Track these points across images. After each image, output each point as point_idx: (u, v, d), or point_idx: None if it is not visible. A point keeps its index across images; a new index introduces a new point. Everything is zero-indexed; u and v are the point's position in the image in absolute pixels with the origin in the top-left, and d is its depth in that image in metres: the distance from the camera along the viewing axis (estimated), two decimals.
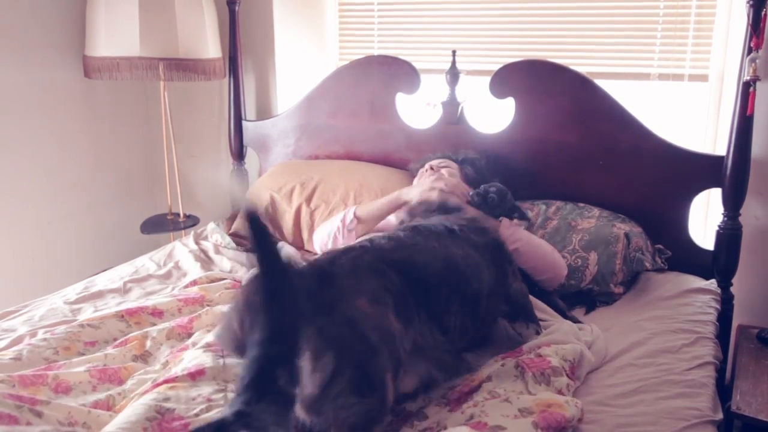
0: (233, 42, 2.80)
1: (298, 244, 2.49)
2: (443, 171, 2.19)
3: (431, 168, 2.21)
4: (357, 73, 2.66)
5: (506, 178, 2.35)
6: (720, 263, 2.16)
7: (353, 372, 1.02)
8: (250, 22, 2.90)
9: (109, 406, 1.33)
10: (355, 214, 2.13)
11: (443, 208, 1.81)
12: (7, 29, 2.58)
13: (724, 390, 1.92)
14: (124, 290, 2.10)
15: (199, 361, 1.37)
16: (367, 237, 1.34)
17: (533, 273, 1.95)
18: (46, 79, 2.74)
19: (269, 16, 2.88)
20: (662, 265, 2.17)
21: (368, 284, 1.07)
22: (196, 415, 1.17)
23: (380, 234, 1.35)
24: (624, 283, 2.07)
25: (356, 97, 2.67)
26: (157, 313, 1.83)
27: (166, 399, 1.23)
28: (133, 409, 1.21)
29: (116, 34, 2.55)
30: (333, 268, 1.09)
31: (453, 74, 2.45)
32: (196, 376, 1.32)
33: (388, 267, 1.14)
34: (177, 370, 1.37)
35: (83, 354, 1.59)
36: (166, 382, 1.31)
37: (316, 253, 2.43)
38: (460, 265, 1.22)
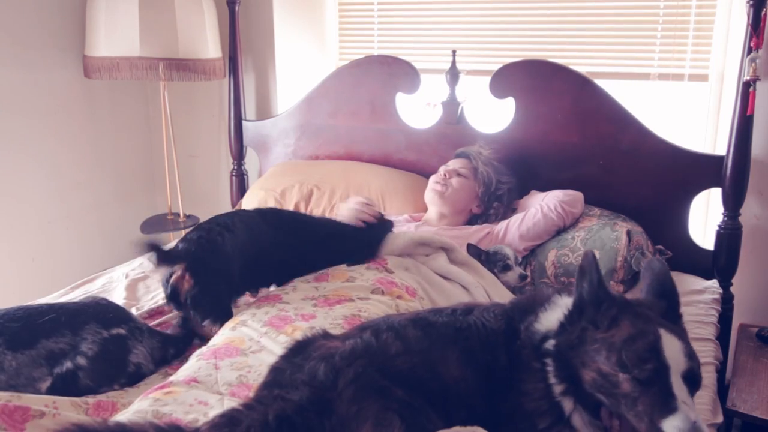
0: (233, 42, 2.79)
1: None
2: (453, 180, 2.27)
3: (445, 175, 2.29)
4: (357, 73, 2.66)
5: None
6: (720, 263, 2.16)
7: None
8: (250, 22, 2.90)
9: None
10: None
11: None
12: (7, 29, 2.58)
13: (723, 391, 1.92)
14: (124, 289, 2.10)
15: (192, 372, 1.35)
16: (375, 321, 1.27)
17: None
18: (46, 79, 2.74)
19: (269, 16, 2.88)
20: None
21: (371, 408, 1.04)
22: (195, 419, 1.16)
23: (393, 320, 1.25)
24: (624, 281, 2.07)
25: (356, 97, 2.67)
26: None
27: (165, 404, 1.22)
28: (128, 416, 1.19)
29: (116, 34, 2.55)
30: (332, 394, 1.05)
31: (453, 74, 2.45)
32: (190, 382, 1.31)
33: (391, 382, 1.10)
34: (172, 378, 1.36)
35: None
36: (161, 388, 1.30)
37: None
38: (450, 391, 1.17)
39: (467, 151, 2.36)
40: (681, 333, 1.07)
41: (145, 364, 1.47)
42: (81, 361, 1.40)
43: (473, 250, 1.99)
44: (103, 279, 2.20)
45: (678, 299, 1.16)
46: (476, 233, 2.18)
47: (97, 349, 1.42)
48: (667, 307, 1.13)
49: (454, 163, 2.33)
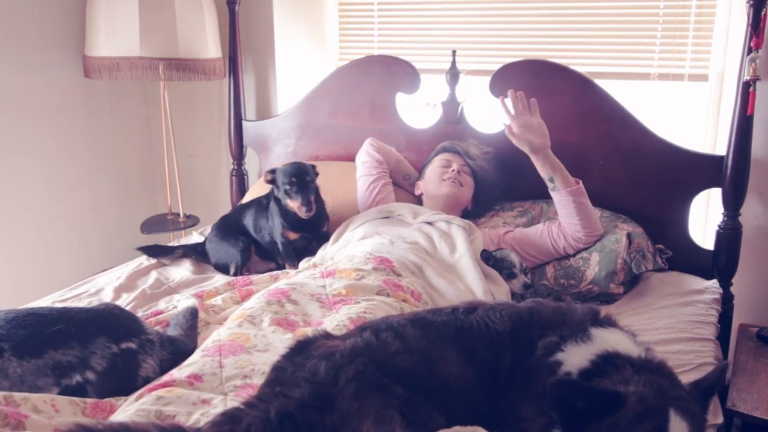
0: (233, 42, 2.79)
1: None
2: (465, 179, 2.27)
3: (458, 172, 2.27)
4: (357, 73, 2.66)
5: (507, 177, 2.36)
6: (720, 263, 2.16)
7: None
8: (250, 22, 2.90)
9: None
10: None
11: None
12: (7, 29, 2.58)
13: (723, 391, 1.92)
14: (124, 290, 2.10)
15: (196, 369, 1.35)
16: (375, 321, 1.28)
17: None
18: (46, 79, 2.74)
19: (269, 16, 2.88)
20: (663, 264, 2.17)
21: (371, 404, 1.05)
22: (197, 420, 1.16)
23: (392, 320, 1.26)
24: (624, 283, 2.07)
25: (356, 97, 2.67)
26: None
27: (168, 403, 1.22)
28: (130, 416, 1.19)
29: (116, 34, 2.55)
30: (333, 391, 1.06)
31: (453, 74, 2.45)
32: (193, 381, 1.31)
33: (392, 380, 1.11)
34: (175, 373, 1.36)
35: None
36: (163, 385, 1.30)
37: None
38: (450, 389, 1.17)
39: (455, 146, 2.35)
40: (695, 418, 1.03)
41: (153, 377, 1.45)
42: (90, 375, 1.38)
43: (485, 254, 1.99)
44: (103, 279, 2.20)
45: (711, 395, 1.13)
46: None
47: (106, 364, 1.40)
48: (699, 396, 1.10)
49: (456, 160, 2.32)
